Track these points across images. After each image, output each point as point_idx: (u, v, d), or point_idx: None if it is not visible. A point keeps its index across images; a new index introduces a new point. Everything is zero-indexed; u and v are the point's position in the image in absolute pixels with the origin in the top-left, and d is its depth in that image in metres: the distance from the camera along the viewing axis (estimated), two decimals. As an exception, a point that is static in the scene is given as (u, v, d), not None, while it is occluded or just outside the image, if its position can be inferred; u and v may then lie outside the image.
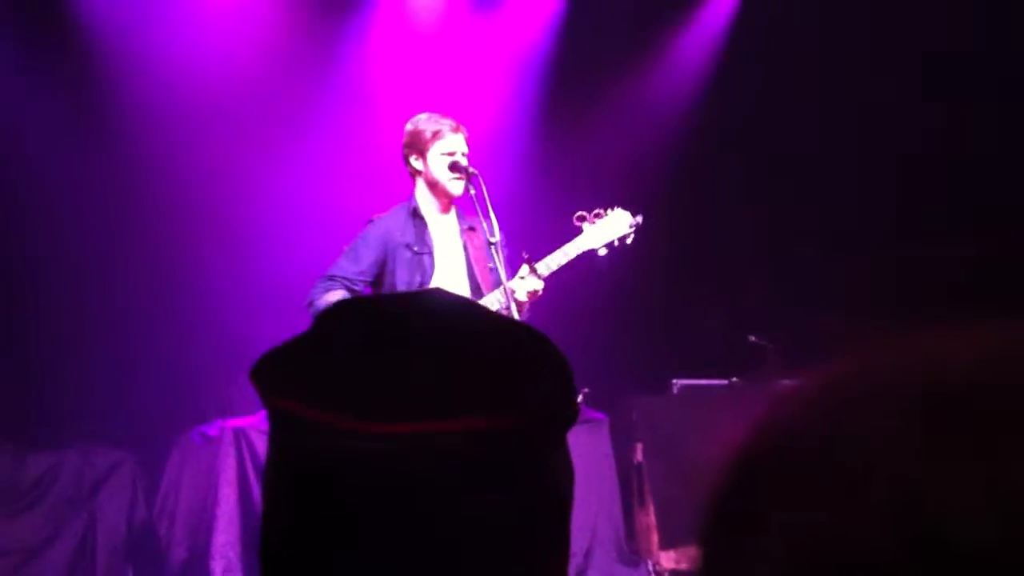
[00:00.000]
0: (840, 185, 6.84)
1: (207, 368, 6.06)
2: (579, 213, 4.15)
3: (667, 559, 5.36)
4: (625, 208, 4.22)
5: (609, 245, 4.15)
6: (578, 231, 4.14)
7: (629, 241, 4.18)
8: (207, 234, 6.33)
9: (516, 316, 3.74)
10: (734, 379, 6.10)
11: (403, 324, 0.84)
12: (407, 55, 6.73)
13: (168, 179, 6.27)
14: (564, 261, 4.05)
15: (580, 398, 5.80)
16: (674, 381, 6.16)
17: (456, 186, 4.06)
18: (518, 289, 3.91)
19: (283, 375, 0.84)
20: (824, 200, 6.85)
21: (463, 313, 0.88)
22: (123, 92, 6.30)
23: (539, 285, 3.96)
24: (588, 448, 5.35)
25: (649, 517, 5.51)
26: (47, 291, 6.07)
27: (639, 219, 4.19)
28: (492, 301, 3.95)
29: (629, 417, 5.76)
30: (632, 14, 6.78)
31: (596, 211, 4.16)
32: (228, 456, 5.03)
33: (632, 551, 5.50)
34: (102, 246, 6.18)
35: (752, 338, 6.29)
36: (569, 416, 0.85)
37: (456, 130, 4.11)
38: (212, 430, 5.23)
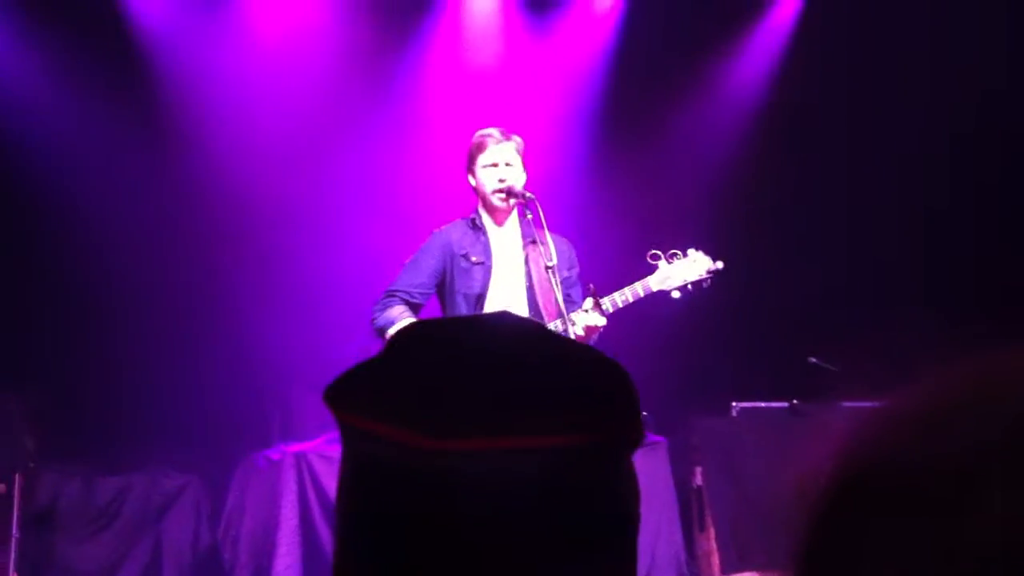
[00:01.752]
0: (907, 208, 6.77)
1: (271, 392, 6.14)
2: (654, 252, 3.99)
3: (728, 583, 5.31)
4: (704, 250, 4.04)
5: (683, 288, 3.99)
6: (650, 268, 3.99)
7: (705, 286, 4.01)
8: (272, 257, 6.43)
9: None
10: (794, 401, 6.03)
11: (475, 344, 0.86)
12: (466, 77, 6.79)
13: (231, 204, 6.39)
14: (631, 299, 3.92)
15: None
16: (733, 404, 6.10)
17: (498, 199, 4.00)
18: (578, 322, 3.80)
19: (357, 395, 0.86)
20: (889, 221, 6.78)
21: (534, 335, 0.89)
22: (178, 112, 6.44)
23: (601, 322, 3.84)
24: (648, 471, 5.33)
25: (709, 541, 5.47)
26: (114, 317, 6.21)
27: (719, 265, 4.02)
28: (556, 327, 3.84)
29: (688, 440, 5.73)
30: (691, 30, 6.77)
31: (673, 251, 4.00)
32: (289, 480, 5.09)
33: (692, 574, 5.46)
34: (169, 271, 6.31)
35: (812, 360, 6.21)
36: (636, 437, 0.87)
37: (501, 140, 4.03)
38: (274, 454, 5.30)
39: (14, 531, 5.05)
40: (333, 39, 6.62)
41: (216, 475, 5.65)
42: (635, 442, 0.87)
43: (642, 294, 3.94)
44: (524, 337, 0.88)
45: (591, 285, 3.97)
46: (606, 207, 6.67)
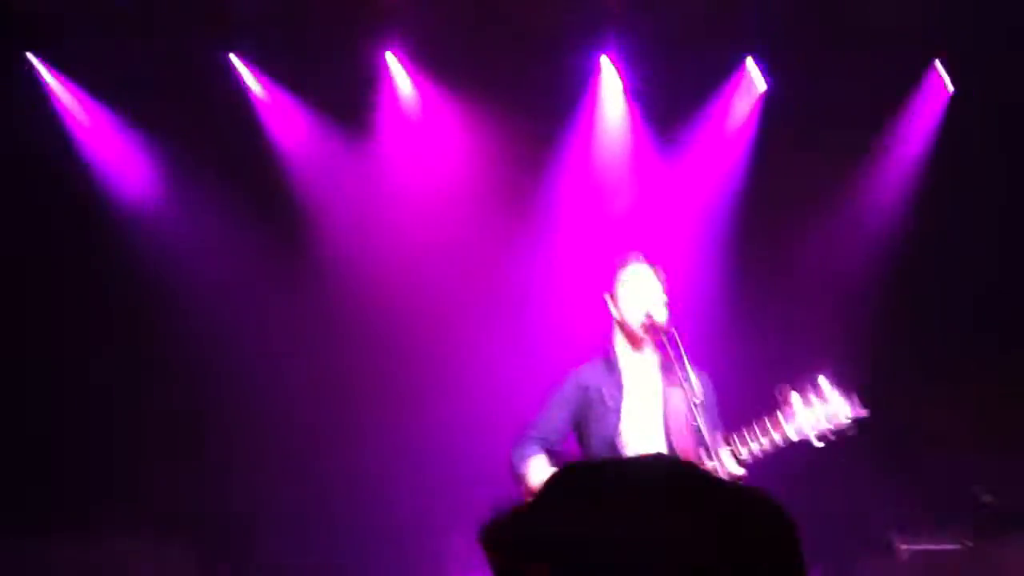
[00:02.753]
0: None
1: (419, 530, 6.15)
2: (786, 392, 3.69)
3: None
4: (845, 391, 3.70)
5: (824, 436, 3.67)
6: (787, 412, 3.68)
7: (850, 434, 3.67)
8: (414, 393, 6.51)
9: None
10: (967, 542, 5.66)
11: (629, 488, 0.86)
12: (597, 208, 6.86)
13: (372, 336, 6.56)
14: (771, 449, 3.68)
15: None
16: (901, 546, 5.77)
17: (640, 330, 3.90)
18: (718, 468, 3.61)
19: (515, 538, 0.87)
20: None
21: (690, 478, 0.89)
22: (321, 253, 6.72)
23: (739, 472, 3.62)
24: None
25: None
26: (263, 450, 6.38)
27: (864, 412, 3.69)
28: None
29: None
30: (822, 149, 6.71)
31: (809, 392, 3.69)
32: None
33: None
34: (308, 408, 6.48)
35: (986, 497, 5.86)
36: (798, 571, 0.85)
37: (649, 270, 3.98)
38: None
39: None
40: (468, 173, 6.82)
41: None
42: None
43: (781, 444, 3.66)
44: (677, 480, 0.88)
45: (729, 434, 3.77)
46: (732, 340, 6.54)
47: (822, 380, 3.72)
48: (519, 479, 4.00)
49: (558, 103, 6.86)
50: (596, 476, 0.91)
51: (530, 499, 0.89)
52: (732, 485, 0.91)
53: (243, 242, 6.57)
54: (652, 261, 4.07)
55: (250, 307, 6.57)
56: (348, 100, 6.74)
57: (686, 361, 3.78)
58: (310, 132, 6.80)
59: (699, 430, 3.68)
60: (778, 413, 3.70)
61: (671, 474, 0.88)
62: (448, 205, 6.77)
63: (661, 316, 3.95)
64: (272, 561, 6.11)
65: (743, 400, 3.96)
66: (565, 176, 6.95)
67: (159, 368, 6.43)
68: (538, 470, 3.97)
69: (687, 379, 3.75)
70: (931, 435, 6.35)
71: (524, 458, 3.99)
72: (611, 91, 6.93)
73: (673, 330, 3.87)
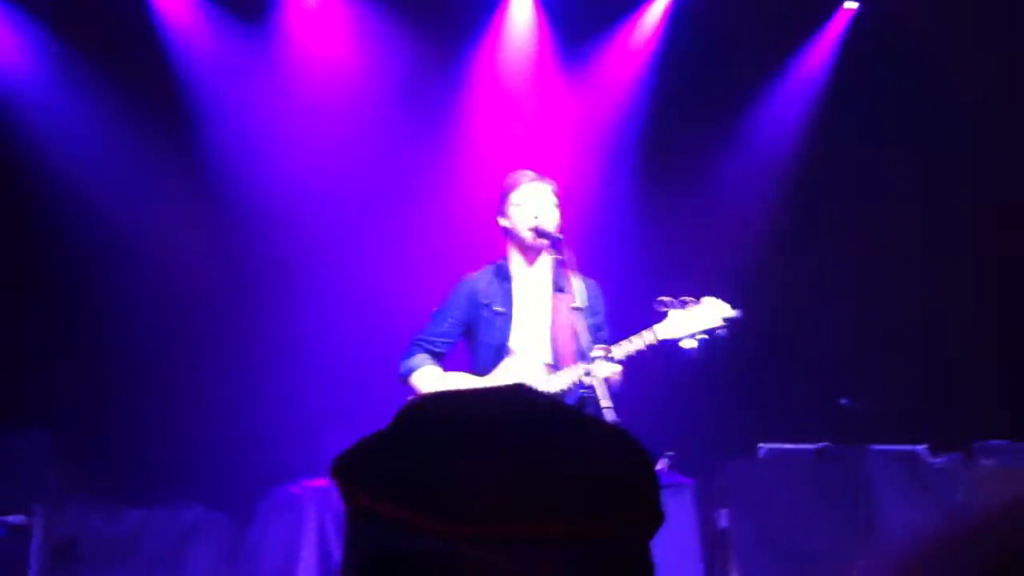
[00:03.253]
0: (941, 249, 6.72)
1: (296, 426, 6.13)
2: (662, 297, 3.76)
3: (751, 628, 5.22)
4: (721, 297, 3.78)
5: (693, 336, 3.75)
6: (662, 316, 3.77)
7: (721, 336, 3.75)
8: (302, 293, 6.46)
9: (600, 391, 3.56)
10: (823, 444, 5.94)
11: (487, 423, 0.84)
12: (501, 114, 6.83)
13: (263, 238, 6.46)
14: (641, 347, 3.75)
15: (666, 462, 5.72)
16: (760, 445, 6.02)
17: (528, 236, 3.93)
18: (594, 371, 3.65)
19: (365, 471, 0.84)
20: (919, 262, 6.74)
21: (549, 413, 0.86)
22: (211, 143, 6.52)
23: (614, 369, 3.73)
24: (672, 513, 5.19)
25: (734, 585, 5.38)
26: (140, 350, 6.25)
27: (736, 313, 3.75)
28: (565, 379, 3.83)
29: (715, 482, 5.65)
30: (730, 70, 6.77)
31: (684, 298, 3.77)
32: (310, 516, 5.06)
33: (717, 619, 5.37)
34: (197, 305, 6.35)
35: (843, 401, 6.14)
36: (654, 525, 0.84)
37: (536, 180, 4.00)
38: (296, 489, 5.27)
39: (32, 564, 5.04)
40: (369, 73, 6.68)
41: (239, 510, 5.62)
42: (652, 531, 0.84)
43: (646, 344, 3.75)
44: (539, 415, 0.86)
45: (603, 332, 3.89)
46: (642, 246, 6.65)
47: (705, 296, 3.82)
48: (402, 380, 4.10)
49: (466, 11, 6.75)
50: (452, 407, 0.89)
51: (381, 431, 0.87)
52: (596, 423, 0.88)
53: (127, 131, 6.32)
54: (544, 175, 4.08)
55: (132, 198, 6.33)
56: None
57: (572, 266, 3.89)
58: (204, 23, 6.50)
59: (578, 335, 3.76)
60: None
61: (530, 408, 0.86)
62: (346, 111, 6.62)
63: (550, 224, 3.95)
64: (142, 452, 5.99)
65: (636, 310, 4.04)
66: (470, 88, 6.86)
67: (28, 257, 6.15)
68: (426, 377, 4.04)
69: (571, 285, 3.83)
70: (809, 349, 6.61)
71: (412, 366, 4.06)
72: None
73: (561, 237, 3.89)
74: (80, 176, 6.27)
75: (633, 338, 3.79)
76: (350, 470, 0.84)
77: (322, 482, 5.27)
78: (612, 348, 3.77)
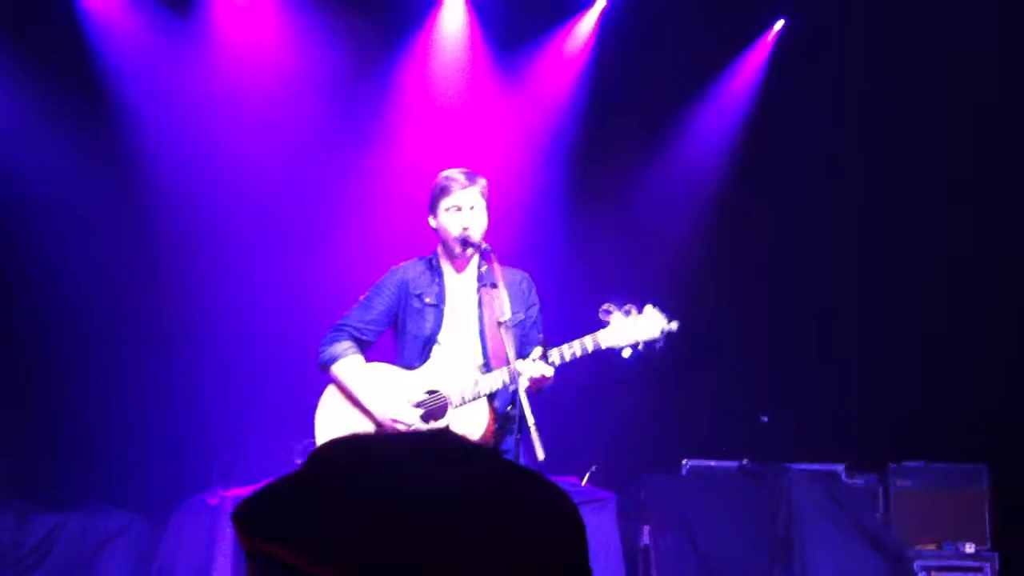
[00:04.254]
0: (869, 264, 6.86)
1: (213, 435, 6.04)
2: (606, 305, 3.74)
3: (672, 644, 5.25)
4: (661, 304, 3.80)
5: (634, 347, 3.75)
6: (602, 324, 3.75)
7: (658, 347, 3.75)
8: (225, 293, 6.35)
9: (524, 403, 3.54)
10: (744, 461, 6.02)
11: (402, 474, 0.81)
12: (433, 112, 6.80)
13: (185, 238, 6.33)
14: (579, 354, 3.72)
15: (587, 477, 5.73)
16: (684, 461, 6.08)
17: (457, 246, 3.87)
18: (524, 372, 3.64)
19: (266, 516, 0.81)
20: (845, 281, 6.87)
21: (470, 462, 0.84)
22: (140, 137, 6.38)
23: (548, 372, 3.66)
24: (594, 527, 5.25)
25: (655, 601, 5.41)
26: (56, 353, 6.10)
27: (674, 326, 3.76)
28: (496, 379, 3.78)
29: (637, 497, 5.68)
30: (662, 75, 6.83)
31: (627, 306, 3.76)
32: (226, 526, 4.96)
33: (637, 635, 5.39)
34: (121, 304, 6.22)
35: (764, 419, 6.23)
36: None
37: (466, 185, 3.91)
38: (212, 498, 5.18)
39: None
40: (299, 66, 6.60)
41: (157, 516, 5.51)
42: None
43: (590, 350, 3.74)
44: (460, 464, 0.84)
45: (541, 335, 3.88)
46: (570, 251, 6.68)
47: (648, 306, 3.82)
48: (323, 367, 3.95)
49: (400, 14, 6.73)
50: (371, 453, 0.86)
51: (288, 476, 0.84)
52: (523, 476, 0.85)
53: (49, 119, 6.16)
54: (475, 175, 4.02)
55: (56, 189, 6.17)
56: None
57: (499, 278, 3.80)
58: (128, 10, 6.37)
59: (510, 332, 3.71)
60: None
61: (457, 459, 0.84)
62: (275, 104, 6.53)
63: (477, 233, 3.93)
64: (59, 455, 5.86)
65: (563, 311, 4.02)
66: (402, 87, 6.82)
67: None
68: (350, 367, 3.92)
69: (497, 296, 3.80)
70: (731, 367, 6.68)
71: (336, 353, 3.92)
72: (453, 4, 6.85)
73: (487, 246, 3.87)
74: (8, 177, 6.12)
75: (574, 343, 3.75)
76: (247, 518, 0.82)
77: (239, 491, 5.19)
78: (550, 352, 3.73)
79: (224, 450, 6.02)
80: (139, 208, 6.30)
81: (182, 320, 6.28)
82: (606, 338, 3.75)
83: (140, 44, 6.38)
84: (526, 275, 4.06)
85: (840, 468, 6.06)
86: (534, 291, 4.06)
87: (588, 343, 3.75)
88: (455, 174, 3.97)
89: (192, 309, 6.29)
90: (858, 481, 6.09)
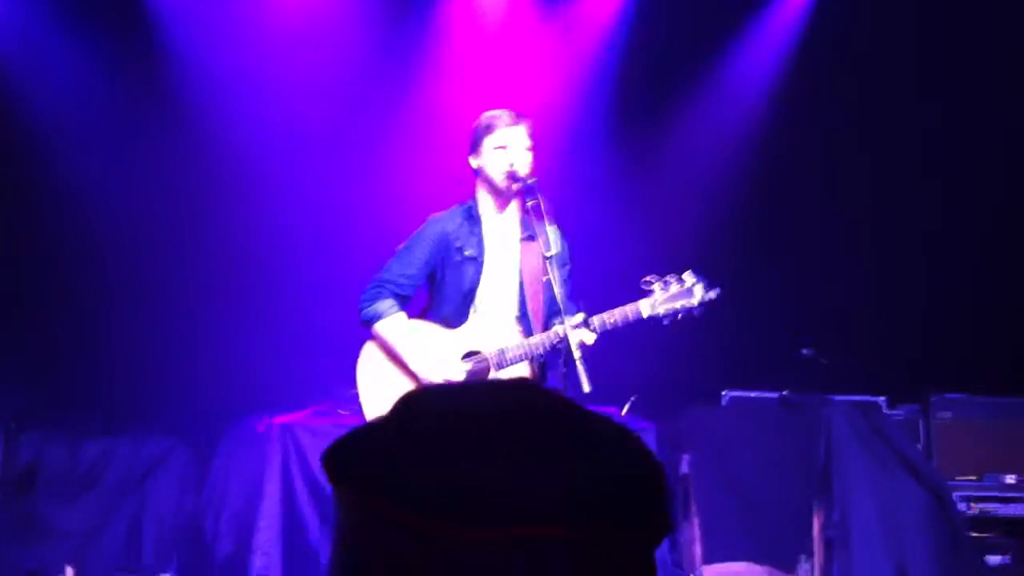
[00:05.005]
0: (907, 203, 6.75)
1: (261, 360, 6.12)
2: (648, 277, 3.80)
3: (710, 573, 5.30)
4: (702, 276, 3.85)
5: (673, 316, 3.82)
6: (644, 292, 3.81)
7: (696, 315, 3.83)
8: (265, 229, 6.40)
9: (570, 333, 3.57)
10: (785, 392, 6.02)
11: (489, 421, 0.81)
12: (474, 63, 6.73)
13: (229, 180, 6.37)
14: (620, 323, 3.78)
15: (627, 407, 5.76)
16: (724, 392, 6.09)
17: (503, 180, 3.87)
18: (567, 338, 3.62)
19: (361, 467, 0.81)
20: (886, 214, 6.78)
21: (558, 412, 0.84)
22: (189, 99, 6.42)
23: (589, 340, 3.70)
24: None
25: (693, 530, 5.45)
26: (105, 280, 6.19)
27: (714, 294, 3.84)
28: (536, 343, 3.79)
29: (677, 427, 5.70)
30: (702, 25, 6.71)
31: (668, 276, 3.82)
32: (273, 452, 5.06)
33: (675, 563, 5.45)
34: (164, 242, 6.29)
35: (804, 351, 6.20)
36: (663, 534, 0.82)
37: (513, 123, 3.89)
38: (260, 424, 5.26)
39: (-7, 490, 5.03)
40: (342, 27, 6.58)
41: (202, 442, 5.62)
42: (659, 540, 0.83)
43: (631, 319, 3.78)
44: (546, 413, 0.83)
45: (581, 302, 3.87)
46: (609, 207, 6.62)
47: (687, 274, 3.86)
48: (366, 324, 3.98)
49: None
50: (455, 401, 0.86)
51: (375, 424, 0.84)
52: (605, 423, 0.85)
53: (102, 79, 6.24)
54: (521, 115, 3.97)
55: (113, 151, 6.25)
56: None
57: (544, 214, 3.79)
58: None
59: (550, 285, 3.73)
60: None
61: (537, 405, 0.84)
62: (320, 50, 6.51)
63: (523, 168, 3.89)
64: (118, 374, 5.97)
65: (607, 275, 4.02)
66: (441, 32, 6.75)
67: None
68: (394, 326, 3.94)
69: (543, 232, 3.78)
70: (775, 298, 6.65)
71: (379, 311, 3.94)
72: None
73: (534, 180, 3.84)
74: (59, 128, 6.17)
75: (615, 312, 3.78)
76: (342, 465, 0.82)
77: (286, 418, 5.28)
78: (591, 319, 3.75)
79: (268, 376, 6.12)
80: (191, 152, 6.34)
81: (227, 253, 6.34)
82: (646, 307, 3.80)
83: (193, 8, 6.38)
84: (561, 229, 4.04)
85: (882, 400, 6.05)
86: (567, 249, 4.05)
87: (629, 312, 3.79)
88: (502, 112, 3.94)
89: (237, 247, 6.36)
90: (899, 412, 6.08)
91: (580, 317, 3.72)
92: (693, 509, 5.48)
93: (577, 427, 0.83)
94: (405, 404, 0.85)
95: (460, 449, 0.79)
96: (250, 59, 6.44)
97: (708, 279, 3.87)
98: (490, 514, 0.75)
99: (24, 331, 5.89)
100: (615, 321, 3.77)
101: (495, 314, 3.92)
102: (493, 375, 3.83)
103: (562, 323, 3.65)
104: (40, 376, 5.60)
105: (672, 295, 3.81)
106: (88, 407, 5.78)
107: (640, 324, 3.82)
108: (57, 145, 6.17)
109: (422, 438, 0.81)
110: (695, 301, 3.82)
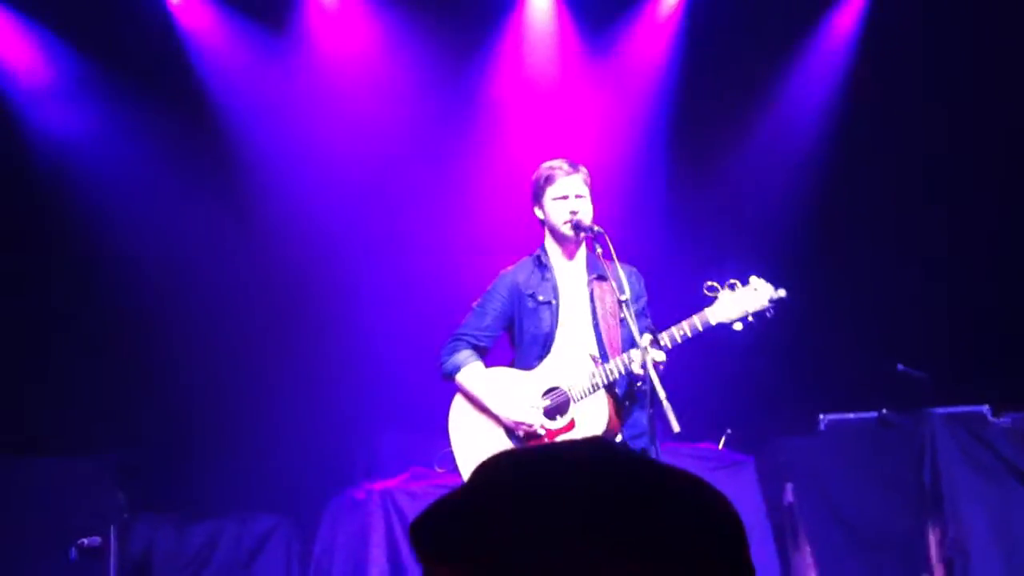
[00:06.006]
0: (986, 212, 6.60)
1: (352, 429, 6.20)
2: (710, 283, 3.79)
3: (827, 602, 5.18)
4: (766, 278, 3.82)
5: (744, 320, 3.78)
6: (709, 301, 3.80)
7: (769, 316, 3.79)
8: (349, 295, 6.49)
9: (654, 379, 3.53)
10: (883, 411, 5.87)
11: (569, 481, 0.83)
12: (526, 107, 6.79)
13: (303, 243, 6.49)
14: (690, 335, 3.77)
15: (723, 441, 5.69)
16: (821, 417, 5.97)
17: (568, 230, 3.93)
18: (636, 360, 3.66)
19: (444, 540, 0.83)
20: (973, 224, 6.63)
21: (630, 467, 0.86)
22: (246, 154, 6.56)
23: (661, 357, 3.69)
24: (734, 491, 5.22)
25: (805, 558, 5.34)
26: (194, 363, 6.33)
27: (782, 293, 3.79)
28: (612, 369, 3.81)
29: (777, 457, 5.61)
30: (754, 48, 6.69)
31: (731, 281, 3.80)
32: (377, 519, 5.11)
33: (790, 595, 5.34)
34: (247, 316, 6.42)
35: (900, 367, 6.06)
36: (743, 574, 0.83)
37: (570, 172, 3.97)
38: (360, 493, 5.32)
39: (112, 583, 5.15)
40: (393, 69, 6.68)
41: (304, 516, 5.70)
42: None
43: (700, 329, 3.77)
44: (620, 469, 0.85)
45: (648, 319, 3.90)
46: (669, 231, 6.60)
47: (752, 277, 3.84)
48: (447, 377, 4.08)
49: (487, 6, 6.73)
50: (531, 463, 0.88)
51: (456, 494, 0.86)
52: (680, 476, 0.86)
53: (157, 148, 6.40)
54: (577, 164, 4.05)
55: (171, 217, 6.41)
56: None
57: (614, 258, 3.85)
58: (226, 33, 6.54)
59: (626, 324, 3.77)
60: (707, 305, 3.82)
61: (610, 462, 0.85)
62: (373, 109, 6.63)
63: (588, 217, 3.96)
64: (205, 466, 6.08)
65: (674, 300, 4.02)
66: (495, 82, 6.83)
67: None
68: (472, 374, 4.03)
69: (615, 276, 3.84)
70: (863, 316, 6.53)
71: (458, 363, 4.04)
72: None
73: (600, 228, 3.90)
74: (119, 201, 6.35)
75: (683, 324, 3.78)
76: (429, 538, 0.84)
77: (384, 484, 5.33)
78: (661, 335, 3.76)
79: (362, 445, 6.19)
80: (250, 222, 6.47)
81: (310, 329, 6.45)
82: (714, 315, 3.79)
83: (238, 62, 6.54)
84: (634, 269, 4.09)
85: (986, 409, 5.87)
86: (642, 284, 4.09)
87: (697, 322, 3.79)
88: (558, 163, 4.05)
89: (313, 318, 6.47)
90: (1005, 420, 5.88)
91: (648, 338, 3.71)
92: (803, 538, 5.37)
93: (651, 478, 0.84)
94: (482, 472, 0.87)
95: (536, 513, 0.80)
96: (308, 128, 6.56)
97: (774, 282, 3.83)
98: (574, 571, 0.77)
99: (123, 426, 6.04)
100: (684, 333, 3.76)
101: (569, 350, 3.95)
102: (573, 407, 3.87)
103: (635, 357, 3.67)
104: (144, 468, 5.73)
105: (739, 298, 3.79)
106: (192, 493, 5.90)
107: (710, 333, 3.79)
108: (119, 221, 6.32)
109: (498, 505, 0.82)
110: (765, 301, 3.79)
